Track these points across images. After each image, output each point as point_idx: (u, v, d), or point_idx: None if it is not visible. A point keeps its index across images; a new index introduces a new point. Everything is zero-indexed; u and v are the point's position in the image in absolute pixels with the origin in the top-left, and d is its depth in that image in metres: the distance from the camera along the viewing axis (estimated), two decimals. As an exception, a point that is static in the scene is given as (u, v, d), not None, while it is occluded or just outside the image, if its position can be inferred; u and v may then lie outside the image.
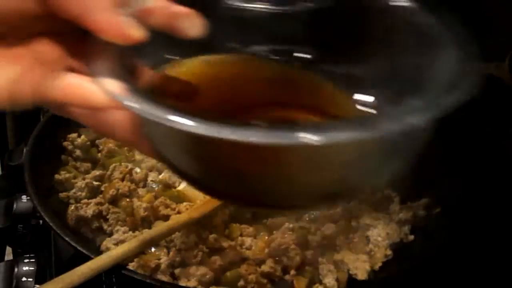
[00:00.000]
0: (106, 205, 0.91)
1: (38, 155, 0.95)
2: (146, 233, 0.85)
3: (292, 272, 0.85)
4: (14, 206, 0.97)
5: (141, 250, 0.83)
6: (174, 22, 0.49)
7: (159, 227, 0.87)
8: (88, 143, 1.03)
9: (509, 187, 1.01)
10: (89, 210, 0.89)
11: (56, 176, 0.96)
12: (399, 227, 0.92)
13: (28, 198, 0.97)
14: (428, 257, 0.87)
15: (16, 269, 0.89)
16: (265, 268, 0.83)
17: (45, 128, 1.01)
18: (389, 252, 0.89)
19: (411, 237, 0.92)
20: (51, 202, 0.91)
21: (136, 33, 0.46)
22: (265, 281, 0.83)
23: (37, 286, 0.79)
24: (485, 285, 0.92)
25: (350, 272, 0.85)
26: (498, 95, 1.21)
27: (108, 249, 0.85)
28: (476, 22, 1.30)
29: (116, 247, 0.83)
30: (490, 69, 1.34)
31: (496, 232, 0.98)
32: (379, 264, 0.89)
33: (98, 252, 0.85)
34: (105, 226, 0.89)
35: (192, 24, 0.49)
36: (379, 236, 0.90)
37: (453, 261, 0.90)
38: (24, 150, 0.96)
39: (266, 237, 0.88)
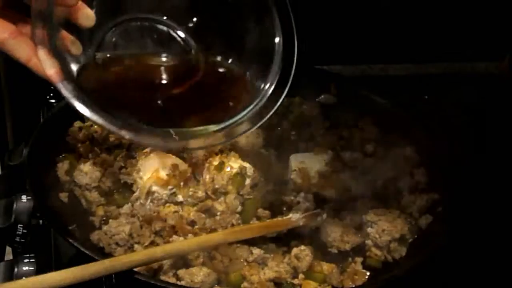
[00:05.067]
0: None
1: (38, 155, 0.95)
2: (174, 244, 0.84)
3: (301, 276, 0.86)
4: (14, 206, 0.96)
5: (162, 260, 0.82)
6: (73, 14, 0.70)
7: (186, 241, 0.86)
8: (90, 136, 1.04)
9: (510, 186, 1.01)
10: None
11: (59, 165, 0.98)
12: (414, 220, 0.93)
13: (28, 198, 0.97)
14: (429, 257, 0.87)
15: (16, 269, 0.88)
16: (270, 274, 0.84)
17: (45, 128, 1.01)
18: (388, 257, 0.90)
19: (425, 221, 0.93)
20: (51, 202, 0.91)
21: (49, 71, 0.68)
22: (270, 283, 0.84)
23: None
24: (485, 284, 0.92)
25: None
26: (498, 93, 1.21)
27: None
28: (476, 21, 1.31)
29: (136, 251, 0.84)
30: (491, 67, 1.34)
31: (496, 232, 0.98)
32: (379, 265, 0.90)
33: (100, 252, 0.85)
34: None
35: (86, 16, 0.70)
36: (377, 233, 0.90)
37: (453, 260, 0.91)
38: (24, 150, 0.96)
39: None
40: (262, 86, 0.78)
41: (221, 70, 0.81)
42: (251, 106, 0.78)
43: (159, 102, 0.79)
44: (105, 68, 0.77)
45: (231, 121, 0.77)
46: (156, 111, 0.78)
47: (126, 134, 0.73)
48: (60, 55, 0.69)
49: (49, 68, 0.69)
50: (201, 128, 0.77)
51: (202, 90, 0.79)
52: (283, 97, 0.77)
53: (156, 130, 0.74)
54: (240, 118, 0.77)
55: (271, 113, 0.77)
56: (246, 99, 0.78)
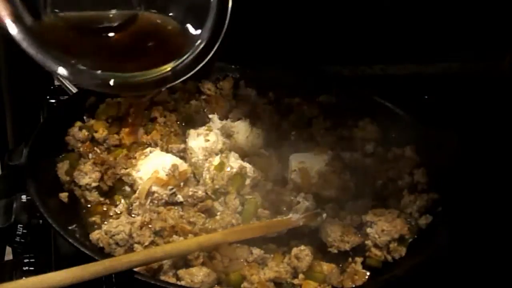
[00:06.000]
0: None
1: (38, 155, 0.95)
2: (174, 244, 0.85)
3: (301, 276, 0.86)
4: (14, 206, 0.96)
5: (162, 260, 0.82)
6: None
7: (186, 241, 0.86)
8: (90, 136, 1.04)
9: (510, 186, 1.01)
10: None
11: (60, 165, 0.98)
12: (414, 220, 0.93)
13: (28, 198, 0.97)
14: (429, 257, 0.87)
15: (16, 269, 0.89)
16: (270, 274, 0.84)
17: (45, 128, 1.01)
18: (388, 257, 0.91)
19: (425, 221, 0.93)
20: (51, 202, 0.91)
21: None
22: (270, 283, 0.84)
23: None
24: (485, 284, 0.92)
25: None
26: (498, 93, 1.21)
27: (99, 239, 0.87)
28: (476, 21, 1.31)
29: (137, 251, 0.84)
30: (491, 67, 1.34)
31: (496, 232, 0.98)
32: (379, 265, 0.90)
33: (100, 252, 0.85)
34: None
35: None
36: (376, 234, 0.91)
37: (453, 260, 0.91)
38: (24, 150, 0.96)
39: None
40: (199, 36, 0.85)
41: (160, 22, 0.87)
42: (189, 54, 0.84)
43: (107, 49, 0.85)
44: (58, 20, 0.83)
45: (175, 64, 0.84)
46: (104, 57, 0.84)
47: (63, 71, 0.79)
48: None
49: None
50: (157, 69, 0.84)
51: (144, 40, 0.87)
52: (216, 45, 0.84)
53: (98, 74, 0.82)
54: (181, 62, 0.84)
55: (205, 60, 0.84)
56: (183, 47, 0.85)
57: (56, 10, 0.83)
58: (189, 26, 0.86)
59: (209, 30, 0.84)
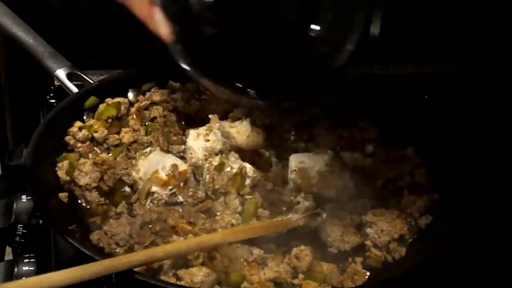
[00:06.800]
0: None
1: (38, 155, 0.95)
2: (174, 244, 0.85)
3: (301, 276, 0.86)
4: (14, 206, 0.96)
5: (162, 260, 0.82)
6: None
7: (186, 241, 0.86)
8: (90, 136, 1.04)
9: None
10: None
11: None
12: (414, 220, 0.94)
13: (28, 198, 0.97)
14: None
15: (16, 269, 0.89)
16: (270, 274, 0.84)
17: (45, 128, 1.01)
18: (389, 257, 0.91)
19: (425, 221, 0.93)
20: (51, 202, 0.91)
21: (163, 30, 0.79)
22: (270, 283, 0.84)
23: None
24: (485, 284, 0.92)
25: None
26: (498, 93, 1.21)
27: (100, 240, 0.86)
28: (476, 21, 1.30)
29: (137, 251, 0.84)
30: (491, 67, 1.34)
31: (496, 232, 0.98)
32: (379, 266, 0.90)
33: (100, 252, 0.85)
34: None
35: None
36: (376, 234, 0.91)
37: (453, 260, 0.91)
38: (24, 150, 0.96)
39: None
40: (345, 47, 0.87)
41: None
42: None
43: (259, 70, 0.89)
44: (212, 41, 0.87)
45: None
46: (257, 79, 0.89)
47: (219, 92, 0.88)
48: (174, 19, 0.81)
49: (162, 28, 0.80)
50: None
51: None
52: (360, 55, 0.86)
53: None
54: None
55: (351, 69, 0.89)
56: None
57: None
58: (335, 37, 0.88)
59: (353, 42, 0.85)
